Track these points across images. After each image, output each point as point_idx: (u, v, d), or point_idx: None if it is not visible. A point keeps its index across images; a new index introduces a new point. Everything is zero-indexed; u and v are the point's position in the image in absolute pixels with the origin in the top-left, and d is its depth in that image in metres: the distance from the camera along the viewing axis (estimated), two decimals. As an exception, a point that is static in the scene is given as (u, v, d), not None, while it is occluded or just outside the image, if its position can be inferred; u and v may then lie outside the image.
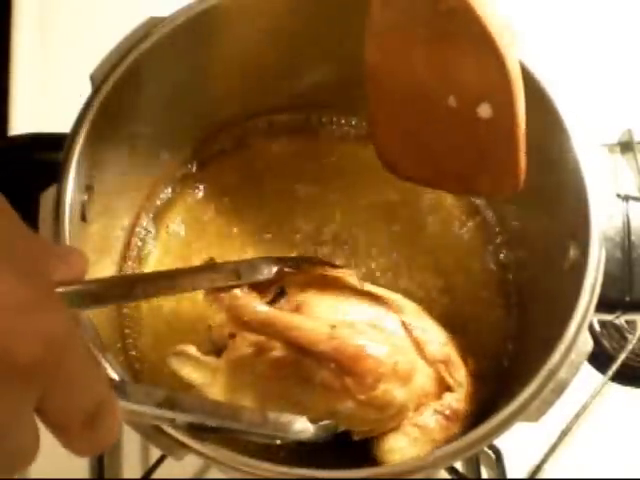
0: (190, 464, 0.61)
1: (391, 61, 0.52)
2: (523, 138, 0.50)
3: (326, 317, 0.52)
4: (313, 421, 0.49)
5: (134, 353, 0.63)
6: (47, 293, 0.29)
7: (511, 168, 0.51)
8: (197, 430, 0.46)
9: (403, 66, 0.51)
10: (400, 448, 0.52)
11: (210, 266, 0.52)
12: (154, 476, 0.62)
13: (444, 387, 0.54)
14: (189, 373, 0.52)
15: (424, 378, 0.53)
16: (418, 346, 0.54)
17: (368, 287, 0.57)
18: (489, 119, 0.50)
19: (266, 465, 0.47)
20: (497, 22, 0.47)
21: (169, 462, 0.61)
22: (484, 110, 0.50)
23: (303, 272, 0.56)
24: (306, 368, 0.51)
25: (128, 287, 0.47)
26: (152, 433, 0.47)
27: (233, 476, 0.47)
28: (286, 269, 0.54)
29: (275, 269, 0.54)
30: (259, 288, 0.54)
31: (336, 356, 0.50)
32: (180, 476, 0.62)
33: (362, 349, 0.50)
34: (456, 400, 0.54)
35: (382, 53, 0.52)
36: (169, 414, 0.44)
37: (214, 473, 0.62)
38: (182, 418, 0.45)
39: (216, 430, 0.47)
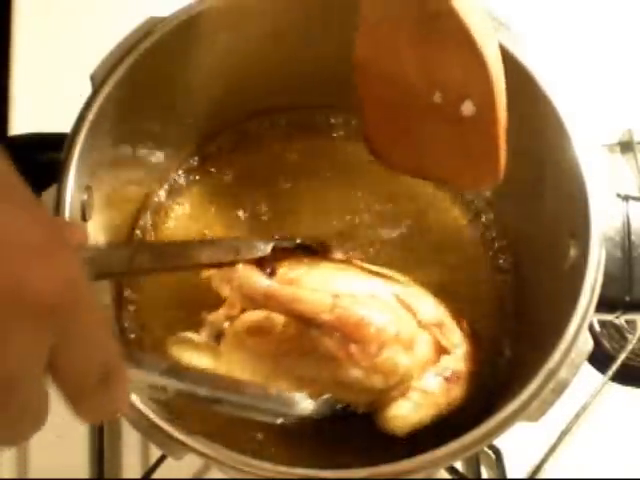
0: (190, 464, 0.61)
1: (379, 57, 0.53)
2: (504, 135, 0.52)
3: (325, 289, 0.53)
4: (315, 396, 0.50)
5: (133, 336, 0.63)
6: (61, 237, 0.28)
7: (492, 162, 0.53)
8: (196, 402, 0.46)
9: (391, 63, 0.53)
10: (404, 414, 0.53)
11: (210, 241, 0.54)
12: (154, 476, 0.62)
13: (441, 350, 0.55)
14: (190, 358, 0.53)
15: (423, 345, 0.54)
16: (412, 314, 0.54)
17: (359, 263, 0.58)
18: (472, 116, 0.51)
19: (266, 465, 0.47)
20: (480, 26, 0.49)
21: (169, 462, 0.61)
22: (467, 107, 0.51)
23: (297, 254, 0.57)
24: (309, 340, 0.52)
25: (129, 255, 0.48)
26: (152, 432, 0.47)
27: (233, 476, 0.47)
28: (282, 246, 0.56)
29: (271, 245, 0.55)
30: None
31: (340, 325, 0.51)
32: (180, 476, 0.62)
33: (365, 317, 0.51)
34: (454, 361, 0.54)
35: (371, 49, 0.53)
36: (173, 383, 0.44)
37: (214, 473, 0.62)
38: (185, 388, 0.45)
39: (216, 402, 0.47)
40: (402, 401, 0.53)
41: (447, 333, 0.55)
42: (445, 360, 0.55)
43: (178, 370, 0.45)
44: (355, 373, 0.52)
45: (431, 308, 0.55)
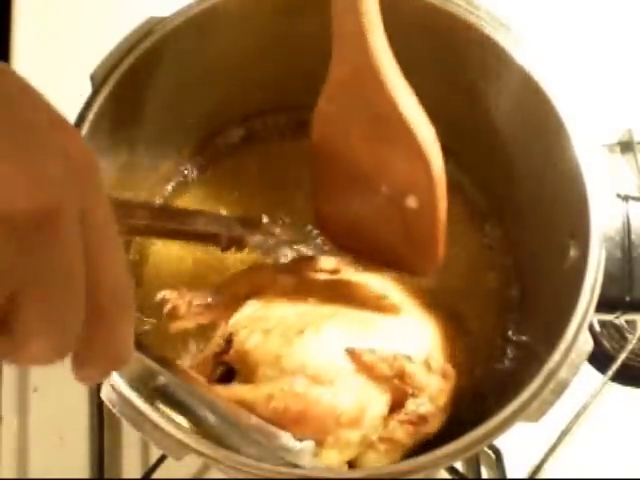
0: (190, 464, 0.61)
1: (334, 143, 0.57)
2: (443, 230, 0.55)
3: (267, 378, 0.53)
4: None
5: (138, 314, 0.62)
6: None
7: (431, 252, 0.56)
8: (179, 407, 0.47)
9: (344, 151, 0.57)
10: (374, 463, 0.53)
11: (207, 213, 0.58)
12: (154, 476, 0.62)
13: (407, 395, 0.53)
14: None
15: (379, 404, 0.53)
16: (368, 370, 0.53)
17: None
18: (415, 209, 0.55)
19: (266, 465, 0.47)
20: (425, 131, 0.52)
21: (169, 462, 0.61)
22: (411, 201, 0.55)
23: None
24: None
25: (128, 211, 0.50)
26: (152, 432, 0.47)
27: (233, 476, 0.47)
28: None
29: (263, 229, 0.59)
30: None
31: (280, 422, 0.51)
32: (180, 476, 0.62)
33: (301, 413, 0.51)
34: (420, 405, 0.53)
35: (326, 135, 0.57)
36: (164, 374, 0.45)
37: (214, 473, 0.62)
38: (173, 382, 0.46)
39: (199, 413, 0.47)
40: (370, 453, 0.53)
41: (410, 380, 0.53)
42: (410, 405, 0.53)
43: (171, 363, 0.45)
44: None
45: (389, 362, 0.53)
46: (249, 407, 0.51)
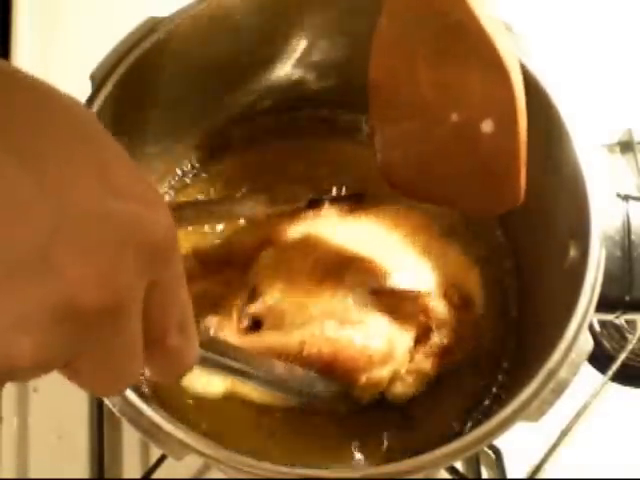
0: (190, 464, 0.61)
1: (395, 76, 0.52)
2: (524, 154, 0.50)
3: (296, 326, 0.54)
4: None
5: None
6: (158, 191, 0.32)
7: (512, 183, 0.52)
8: (227, 372, 0.48)
9: (407, 81, 0.52)
10: (402, 393, 0.56)
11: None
12: (154, 476, 0.62)
13: (431, 329, 0.56)
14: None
15: (406, 340, 0.55)
16: (393, 309, 0.55)
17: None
18: (491, 135, 0.50)
19: (266, 465, 0.47)
20: (504, 39, 0.47)
21: (169, 462, 0.61)
22: (487, 126, 0.50)
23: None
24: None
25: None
26: (152, 432, 0.47)
27: (233, 476, 0.47)
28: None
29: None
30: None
31: (314, 366, 0.53)
32: (180, 476, 0.62)
33: (334, 356, 0.53)
34: (443, 337, 0.56)
35: (387, 68, 0.52)
36: (210, 355, 0.45)
37: (214, 473, 0.62)
38: (221, 361, 0.46)
39: (246, 375, 0.49)
40: (398, 384, 0.56)
41: (433, 315, 0.56)
42: (434, 338, 0.56)
43: (215, 343, 0.46)
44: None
45: (413, 298, 0.55)
46: (282, 354, 0.53)
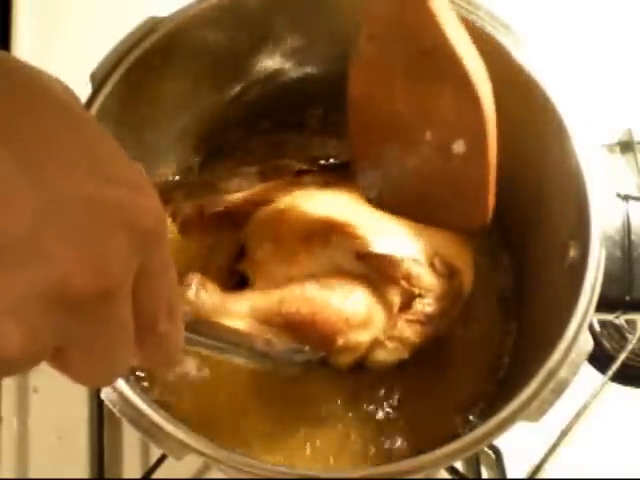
0: (190, 464, 0.61)
1: (373, 94, 0.53)
2: (494, 176, 0.52)
3: (278, 283, 0.55)
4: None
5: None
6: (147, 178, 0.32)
7: (480, 204, 0.53)
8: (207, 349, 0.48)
9: (384, 99, 0.53)
10: (383, 360, 0.57)
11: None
12: (154, 476, 0.62)
13: (414, 296, 0.56)
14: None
15: (388, 306, 0.56)
16: (377, 272, 0.55)
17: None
18: (462, 156, 0.52)
19: (266, 465, 0.47)
20: (476, 64, 0.49)
21: (169, 462, 0.61)
22: (458, 146, 0.51)
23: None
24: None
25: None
26: (152, 432, 0.47)
27: (233, 476, 0.47)
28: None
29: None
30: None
31: (290, 327, 0.53)
32: (180, 476, 0.62)
33: (312, 316, 0.53)
34: (426, 305, 0.56)
35: (365, 86, 0.53)
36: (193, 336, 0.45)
37: (214, 473, 0.62)
38: (203, 341, 0.46)
39: (227, 351, 0.49)
40: (380, 350, 0.56)
41: (416, 282, 0.56)
42: (417, 305, 0.56)
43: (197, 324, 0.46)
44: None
45: (397, 263, 0.55)
46: (262, 312, 0.53)
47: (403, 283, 0.55)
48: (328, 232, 0.56)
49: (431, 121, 0.52)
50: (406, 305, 0.56)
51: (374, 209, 0.58)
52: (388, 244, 0.57)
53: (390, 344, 0.56)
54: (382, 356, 0.57)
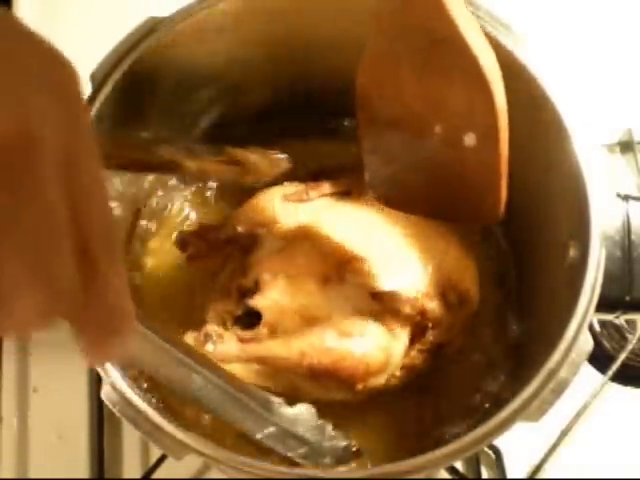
0: (190, 464, 0.61)
1: (382, 88, 0.53)
2: (505, 168, 0.51)
3: (296, 331, 0.55)
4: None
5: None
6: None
7: (492, 198, 0.53)
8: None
9: (394, 93, 0.52)
10: (388, 384, 0.57)
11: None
12: (154, 476, 0.62)
13: (427, 328, 0.57)
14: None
15: (402, 343, 0.56)
16: (393, 311, 0.55)
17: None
18: (474, 149, 0.51)
19: (266, 465, 0.47)
20: (487, 55, 0.49)
21: (169, 462, 0.61)
22: (469, 139, 0.51)
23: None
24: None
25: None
26: (152, 432, 0.47)
27: (233, 476, 0.47)
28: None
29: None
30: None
31: (311, 376, 0.54)
32: (180, 476, 0.62)
33: (333, 366, 0.53)
34: (437, 335, 0.57)
35: (374, 80, 0.53)
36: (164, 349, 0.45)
37: (214, 473, 0.62)
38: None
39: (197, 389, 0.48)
40: (390, 379, 0.57)
41: (429, 316, 0.56)
42: (430, 336, 0.57)
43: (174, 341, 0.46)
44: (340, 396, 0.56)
45: (411, 302, 0.56)
46: (283, 363, 0.54)
47: (417, 318, 0.56)
48: (343, 270, 0.56)
49: (441, 114, 0.51)
50: (418, 335, 0.57)
51: (388, 224, 0.58)
52: (402, 277, 0.57)
53: (399, 373, 0.57)
54: (389, 382, 0.57)
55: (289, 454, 0.52)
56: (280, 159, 0.61)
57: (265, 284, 0.56)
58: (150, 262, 0.65)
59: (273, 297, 0.56)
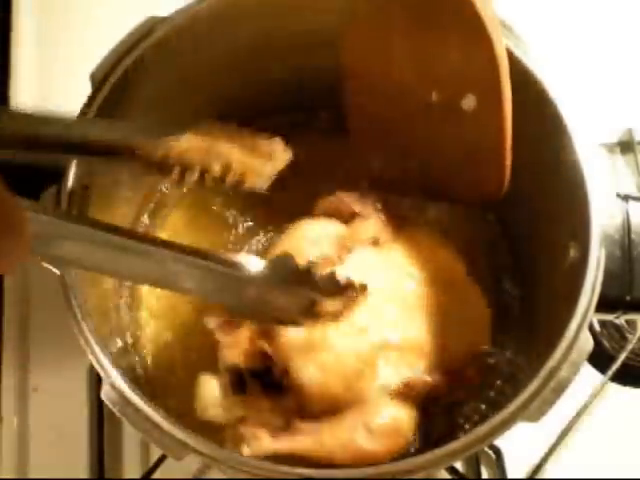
0: (190, 464, 0.61)
1: (369, 58, 0.49)
2: (509, 130, 0.48)
3: (327, 432, 0.54)
4: None
5: (137, 359, 0.63)
6: None
7: (496, 166, 0.50)
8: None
9: (382, 63, 0.49)
10: None
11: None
12: (154, 476, 0.62)
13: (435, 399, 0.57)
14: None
15: (415, 416, 0.56)
16: (414, 394, 0.56)
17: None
18: (474, 111, 0.48)
19: (266, 465, 0.47)
20: (487, 7, 0.46)
21: (169, 462, 0.61)
22: (469, 102, 0.48)
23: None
24: None
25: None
26: (152, 432, 0.47)
27: (233, 476, 0.47)
28: None
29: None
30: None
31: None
32: (180, 476, 0.62)
33: (362, 462, 0.53)
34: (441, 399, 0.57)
35: (360, 49, 0.49)
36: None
37: (214, 473, 0.62)
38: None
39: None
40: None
41: (440, 392, 0.57)
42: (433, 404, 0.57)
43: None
44: None
45: (429, 386, 0.56)
46: (314, 456, 0.53)
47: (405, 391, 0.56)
48: (373, 361, 0.55)
49: (436, 79, 0.48)
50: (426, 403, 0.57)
51: (419, 294, 0.57)
52: (426, 362, 0.57)
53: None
54: None
55: (275, 315, 0.50)
56: (283, 147, 0.54)
57: (294, 369, 0.55)
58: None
59: (302, 383, 0.55)
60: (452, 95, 0.48)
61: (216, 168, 0.50)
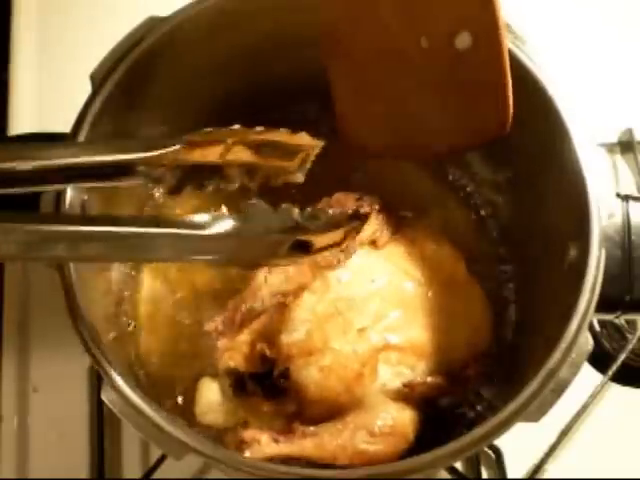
0: (190, 464, 0.61)
1: (351, 12, 0.46)
2: (507, 63, 0.45)
3: (328, 436, 0.55)
4: None
5: (137, 359, 0.63)
6: None
7: (499, 98, 0.46)
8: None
9: (365, 13, 0.46)
10: None
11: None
12: (154, 476, 0.62)
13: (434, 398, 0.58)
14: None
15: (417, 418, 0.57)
16: (416, 396, 0.56)
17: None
18: (469, 49, 0.45)
19: (266, 465, 0.47)
20: None
21: (169, 462, 0.61)
22: (463, 40, 0.45)
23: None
24: None
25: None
26: (152, 432, 0.47)
27: (233, 476, 0.47)
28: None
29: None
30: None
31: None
32: (180, 476, 0.62)
33: (364, 463, 0.53)
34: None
35: (340, 5, 0.46)
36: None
37: (214, 473, 0.62)
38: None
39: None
40: None
41: (442, 392, 0.58)
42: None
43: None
44: None
45: (431, 387, 0.57)
46: (316, 459, 0.54)
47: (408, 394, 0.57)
48: (373, 365, 0.55)
49: (425, 21, 0.45)
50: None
51: (419, 295, 0.57)
52: (425, 363, 0.57)
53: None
54: None
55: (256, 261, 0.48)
56: (311, 138, 0.51)
57: (295, 369, 0.55)
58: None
59: (303, 383, 0.55)
60: (444, 36, 0.45)
61: (236, 175, 0.49)
